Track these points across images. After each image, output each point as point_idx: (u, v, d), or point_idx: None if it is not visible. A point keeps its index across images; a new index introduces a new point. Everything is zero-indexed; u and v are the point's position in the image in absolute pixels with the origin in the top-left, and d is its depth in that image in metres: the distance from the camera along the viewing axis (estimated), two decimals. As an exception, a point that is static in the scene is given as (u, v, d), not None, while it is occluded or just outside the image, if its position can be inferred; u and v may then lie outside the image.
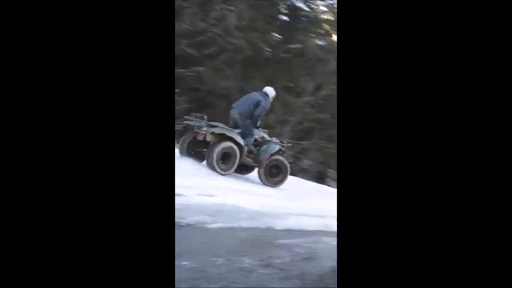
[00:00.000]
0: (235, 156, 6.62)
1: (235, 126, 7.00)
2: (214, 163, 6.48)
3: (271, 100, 7.42)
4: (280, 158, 7.29)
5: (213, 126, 6.68)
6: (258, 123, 7.38)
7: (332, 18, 11.86)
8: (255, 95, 7.24)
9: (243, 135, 6.84)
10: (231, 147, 6.58)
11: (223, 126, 6.87)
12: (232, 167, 6.68)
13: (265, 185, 7.11)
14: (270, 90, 7.43)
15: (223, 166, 6.58)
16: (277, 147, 7.27)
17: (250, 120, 6.97)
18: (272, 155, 7.13)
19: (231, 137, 6.60)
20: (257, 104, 7.00)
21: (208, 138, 6.51)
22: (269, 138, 7.36)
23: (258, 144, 7.22)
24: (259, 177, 7.17)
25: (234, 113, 7.07)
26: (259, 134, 7.28)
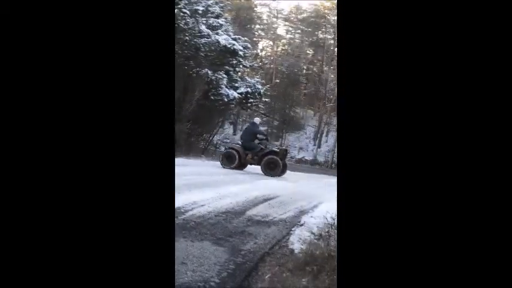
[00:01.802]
0: (234, 157, 10.89)
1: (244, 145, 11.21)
2: (220, 161, 11.19)
3: (259, 124, 12.02)
4: (274, 157, 10.74)
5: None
6: (267, 137, 11.91)
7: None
8: (250, 128, 11.63)
9: (249, 149, 10.98)
10: (231, 152, 11.07)
11: (236, 143, 12.00)
12: (233, 164, 10.85)
13: (266, 175, 10.37)
14: (257, 119, 12.26)
15: (228, 163, 10.88)
16: (268, 150, 10.97)
17: (251, 141, 11.12)
18: (267, 154, 10.83)
19: (233, 148, 11.30)
20: (255, 133, 11.32)
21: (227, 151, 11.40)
22: (269, 147, 11.20)
23: (262, 151, 11.04)
24: (262, 171, 10.68)
25: (241, 141, 11.48)
26: (265, 145, 11.19)
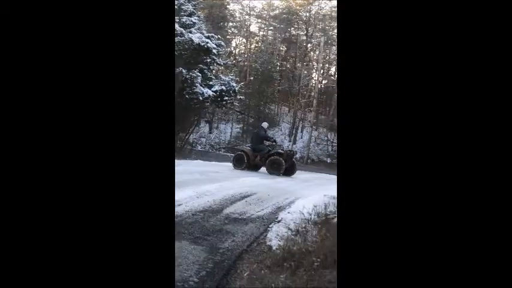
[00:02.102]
0: (243, 159, 11.87)
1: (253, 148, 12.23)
2: (232, 163, 12.20)
3: (266, 128, 12.96)
4: (278, 157, 11.56)
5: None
6: (274, 140, 12.88)
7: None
8: (259, 133, 12.53)
9: (257, 151, 11.90)
10: (241, 155, 12.04)
11: (246, 146, 13.30)
12: (243, 165, 11.79)
13: (270, 174, 11.23)
14: (265, 124, 13.10)
15: (238, 165, 11.83)
16: (274, 151, 11.80)
17: (260, 144, 12.01)
18: (272, 155, 11.68)
19: (243, 150, 12.32)
20: (263, 137, 12.22)
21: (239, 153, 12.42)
22: (276, 149, 12.02)
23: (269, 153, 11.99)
24: (266, 170, 11.60)
25: (250, 144, 12.74)
26: (273, 148, 12.06)
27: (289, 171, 11.72)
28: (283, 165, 11.51)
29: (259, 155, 11.94)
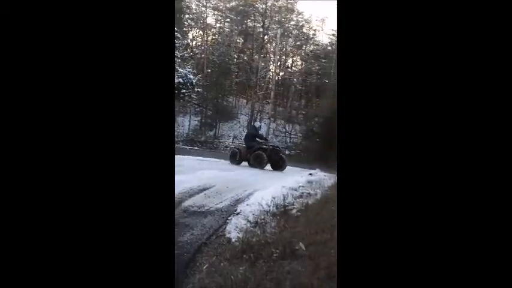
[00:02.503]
0: (237, 155, 13.15)
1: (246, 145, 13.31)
2: (229, 159, 13.48)
3: (259, 127, 14.42)
4: (261, 152, 12.46)
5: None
6: (265, 138, 14.89)
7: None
8: (251, 130, 13.84)
9: (249, 148, 12.82)
10: (235, 151, 13.44)
11: (241, 144, 14.96)
12: (236, 161, 13.06)
13: (252, 167, 12.11)
14: (257, 124, 15.14)
15: (233, 160, 13.16)
16: (259, 147, 12.70)
17: (252, 142, 12.95)
18: (256, 150, 12.60)
19: (238, 148, 13.64)
20: (254, 135, 13.29)
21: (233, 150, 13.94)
22: (265, 146, 12.92)
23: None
24: (249, 163, 12.54)
25: (244, 142, 13.92)
26: (266, 144, 13.16)
27: (278, 166, 12.59)
28: (265, 159, 12.36)
29: (250, 151, 12.84)
